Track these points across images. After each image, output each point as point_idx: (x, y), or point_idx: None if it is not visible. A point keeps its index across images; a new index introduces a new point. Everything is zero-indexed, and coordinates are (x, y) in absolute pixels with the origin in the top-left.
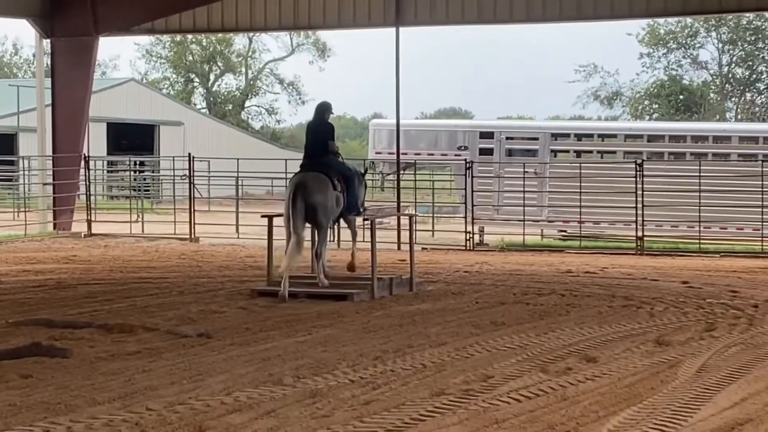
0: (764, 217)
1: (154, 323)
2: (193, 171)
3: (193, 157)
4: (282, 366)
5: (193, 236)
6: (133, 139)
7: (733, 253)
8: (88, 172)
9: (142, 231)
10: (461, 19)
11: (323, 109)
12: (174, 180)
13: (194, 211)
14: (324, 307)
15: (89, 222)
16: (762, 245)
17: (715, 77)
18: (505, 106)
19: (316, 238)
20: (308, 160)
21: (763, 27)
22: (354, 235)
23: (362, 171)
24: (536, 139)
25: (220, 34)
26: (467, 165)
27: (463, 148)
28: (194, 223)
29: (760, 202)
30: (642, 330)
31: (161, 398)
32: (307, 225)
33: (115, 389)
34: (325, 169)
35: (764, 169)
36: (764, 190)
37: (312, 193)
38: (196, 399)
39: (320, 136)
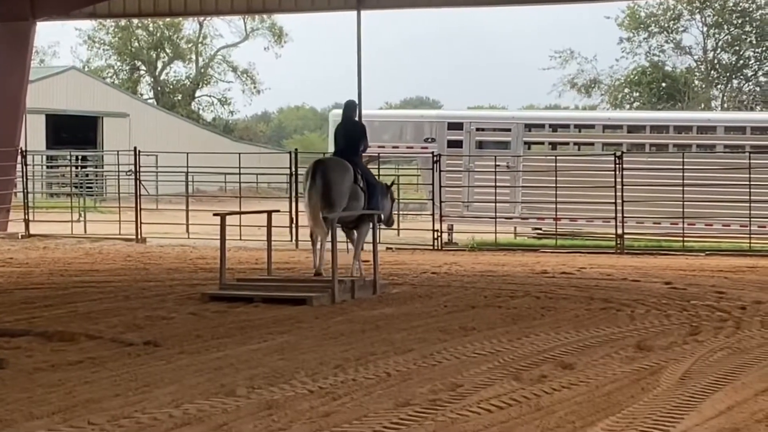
0: (752, 212)
1: (98, 330)
2: (140, 166)
3: (140, 152)
4: (235, 376)
5: (139, 237)
6: (74, 132)
7: (719, 252)
8: (26, 168)
9: (85, 231)
10: (428, 2)
11: (351, 109)
12: (119, 176)
13: (141, 209)
14: (281, 312)
15: (27, 222)
16: (750, 243)
17: (699, 63)
18: (476, 95)
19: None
20: (337, 156)
21: (750, 9)
22: (358, 244)
23: (387, 184)
24: (508, 130)
25: (168, 19)
26: (435, 158)
27: (430, 140)
28: (141, 223)
29: (748, 197)
30: (622, 334)
31: (104, 411)
32: None
33: (55, 402)
34: (351, 163)
35: (752, 161)
36: (752, 183)
37: (329, 171)
38: (142, 412)
39: (352, 136)
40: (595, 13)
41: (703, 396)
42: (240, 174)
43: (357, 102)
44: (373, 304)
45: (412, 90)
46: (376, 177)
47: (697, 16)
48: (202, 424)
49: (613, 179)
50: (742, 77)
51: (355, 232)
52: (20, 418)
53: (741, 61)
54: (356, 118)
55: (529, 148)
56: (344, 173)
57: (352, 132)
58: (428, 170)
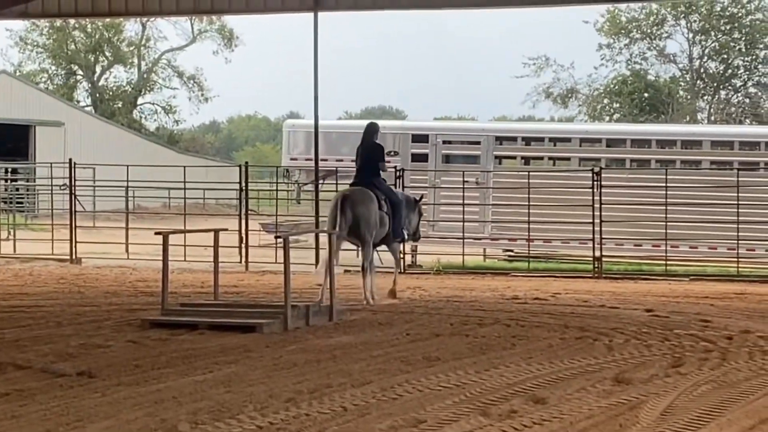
0: (740, 234)
1: (26, 360)
2: (75, 180)
3: (75, 164)
4: (177, 410)
5: (74, 257)
6: (3, 142)
7: (704, 277)
8: None
9: (14, 251)
10: (391, 3)
11: (372, 131)
12: (52, 190)
13: (76, 227)
14: (228, 340)
15: None
16: (737, 267)
17: (684, 72)
18: (443, 105)
19: (362, 254)
20: (358, 180)
21: (740, 14)
22: (396, 262)
23: (416, 198)
24: (478, 143)
25: (107, 19)
26: (397, 173)
27: (392, 153)
28: (76, 242)
29: (736, 218)
30: (599, 366)
31: None
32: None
33: None
34: (373, 188)
35: (740, 179)
36: (740, 203)
37: (357, 205)
38: None
39: (372, 158)
40: (573, 17)
41: None
42: (185, 189)
43: (378, 126)
44: (329, 331)
45: (373, 99)
46: (400, 192)
47: (683, 22)
48: None
49: (591, 197)
50: (730, 88)
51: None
52: None
53: (729, 71)
54: (376, 140)
55: (500, 163)
56: (370, 205)
57: (372, 154)
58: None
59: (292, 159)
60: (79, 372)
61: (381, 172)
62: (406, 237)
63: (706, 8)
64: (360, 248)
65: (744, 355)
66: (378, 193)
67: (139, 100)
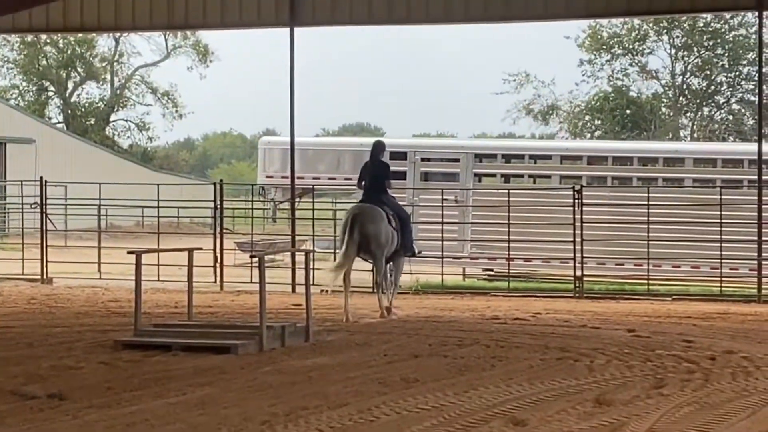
0: (723, 253)
1: None
2: (46, 198)
3: (46, 182)
4: None
5: (45, 277)
6: None
7: (687, 296)
8: None
9: None
10: (368, 19)
11: (379, 149)
12: (23, 209)
13: (47, 246)
14: (202, 362)
15: None
16: (721, 287)
17: (667, 89)
18: (422, 122)
19: (374, 270)
20: (366, 197)
21: (722, 30)
22: (396, 279)
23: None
24: (457, 160)
25: (79, 35)
26: None
27: None
28: (47, 261)
29: (719, 236)
30: (580, 387)
31: None
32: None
33: None
34: (382, 205)
35: (723, 196)
36: (723, 221)
37: (367, 223)
38: None
39: (379, 176)
40: (554, 32)
41: None
42: (159, 207)
43: (384, 143)
44: (306, 352)
45: (351, 115)
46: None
47: (665, 38)
48: None
49: (572, 215)
50: (713, 104)
51: (392, 265)
52: None
53: (712, 87)
54: (382, 159)
55: (480, 181)
56: (380, 223)
57: (378, 172)
58: None
59: (268, 177)
60: (50, 394)
61: (387, 189)
62: (416, 251)
63: (688, 24)
64: (373, 264)
65: (727, 376)
66: (387, 209)
67: (112, 117)
